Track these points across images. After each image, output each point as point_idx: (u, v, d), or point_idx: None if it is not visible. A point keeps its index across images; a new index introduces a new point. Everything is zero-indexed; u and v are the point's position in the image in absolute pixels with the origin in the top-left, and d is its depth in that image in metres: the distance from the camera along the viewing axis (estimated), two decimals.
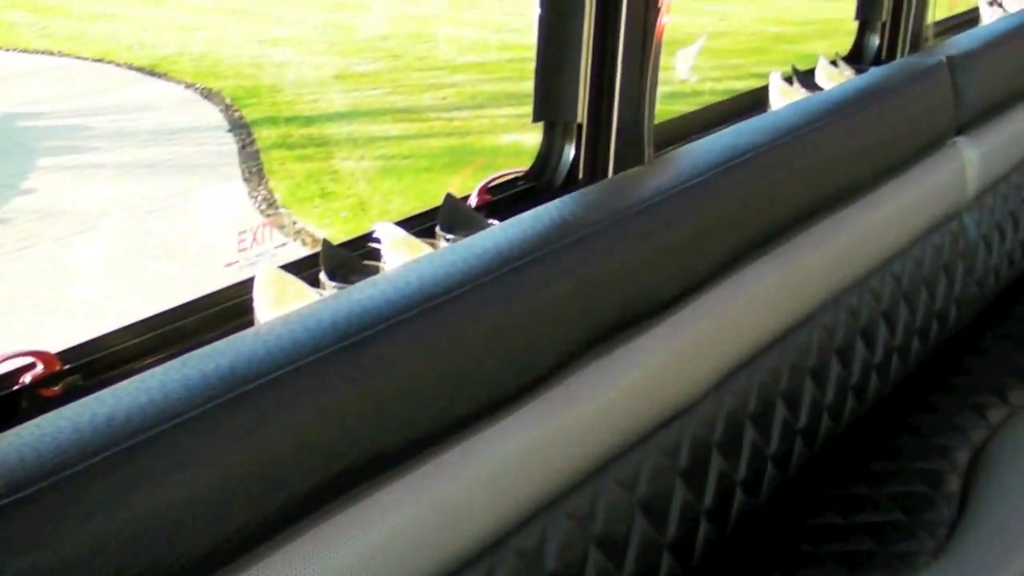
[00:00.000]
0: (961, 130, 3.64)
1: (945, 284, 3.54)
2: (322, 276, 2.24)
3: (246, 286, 2.18)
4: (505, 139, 8.79)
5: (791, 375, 2.80)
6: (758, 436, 2.67)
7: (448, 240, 2.41)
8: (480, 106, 9.60)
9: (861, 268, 3.11)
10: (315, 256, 2.29)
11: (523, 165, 2.81)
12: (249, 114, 9.25)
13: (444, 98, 9.83)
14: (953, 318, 3.61)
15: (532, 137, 2.84)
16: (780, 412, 2.75)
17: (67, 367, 1.96)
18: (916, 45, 4.01)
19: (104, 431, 1.48)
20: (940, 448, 3.16)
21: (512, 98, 9.55)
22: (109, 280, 6.32)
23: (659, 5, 2.65)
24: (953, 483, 3.02)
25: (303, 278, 2.19)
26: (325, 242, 2.30)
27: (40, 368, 1.91)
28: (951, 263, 3.56)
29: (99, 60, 10.59)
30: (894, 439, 3.20)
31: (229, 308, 2.21)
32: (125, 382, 1.60)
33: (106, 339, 2.06)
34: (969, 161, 3.63)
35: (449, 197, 2.49)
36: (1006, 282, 3.97)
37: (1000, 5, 4.88)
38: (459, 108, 9.57)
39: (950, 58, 3.61)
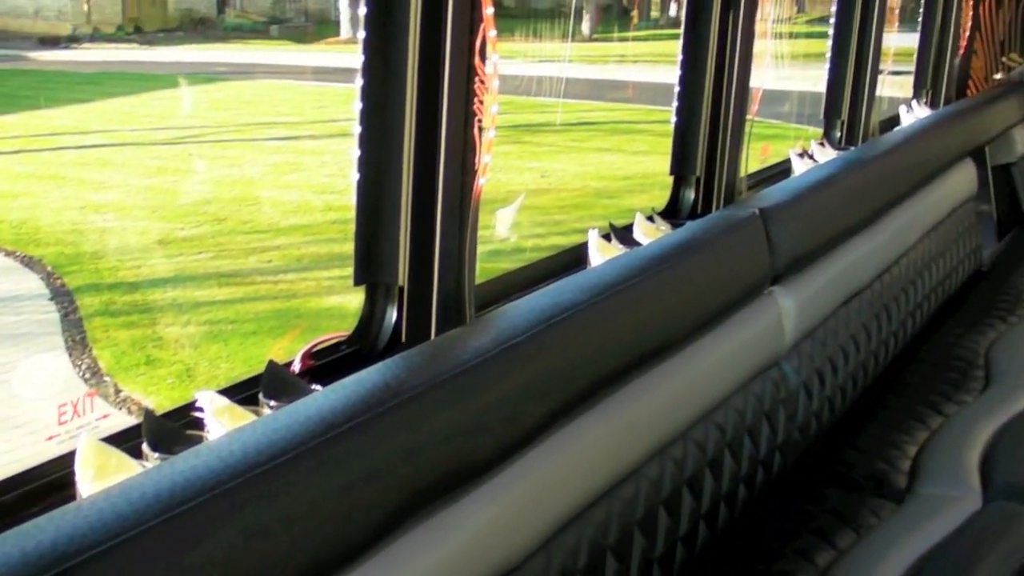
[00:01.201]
0: (776, 280, 3.73)
1: (768, 431, 3.59)
2: (145, 447, 2.21)
3: (67, 460, 2.14)
4: (331, 301, 8.80)
5: (619, 528, 2.80)
6: None
7: (271, 407, 2.39)
8: (306, 268, 9.61)
9: (685, 419, 3.15)
10: (138, 427, 2.26)
11: (349, 327, 2.82)
12: (71, 281, 9.15)
13: (269, 261, 9.83)
14: (777, 464, 3.65)
15: (358, 299, 2.85)
16: (610, 566, 2.76)
17: None
18: (730, 198, 4.11)
19: None
20: None
21: (337, 259, 9.58)
22: None
23: (476, 167, 2.69)
24: None
25: (126, 449, 2.16)
26: (147, 412, 2.28)
27: None
28: (773, 410, 3.62)
29: None
30: None
31: (50, 483, 2.16)
32: None
33: None
34: (785, 310, 3.71)
35: (272, 364, 2.48)
36: (827, 426, 4.05)
37: (811, 157, 5.02)
38: (284, 271, 9.57)
39: (763, 210, 3.70)
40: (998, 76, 7.92)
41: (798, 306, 3.79)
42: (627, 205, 11.24)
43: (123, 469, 2.08)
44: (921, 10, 6.93)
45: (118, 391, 7.14)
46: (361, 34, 2.62)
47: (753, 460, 3.49)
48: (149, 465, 2.14)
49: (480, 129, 2.70)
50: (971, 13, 7.44)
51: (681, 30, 4.10)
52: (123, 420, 6.24)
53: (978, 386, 4.67)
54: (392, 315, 2.75)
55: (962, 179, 5.96)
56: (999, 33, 7.83)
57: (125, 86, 17.97)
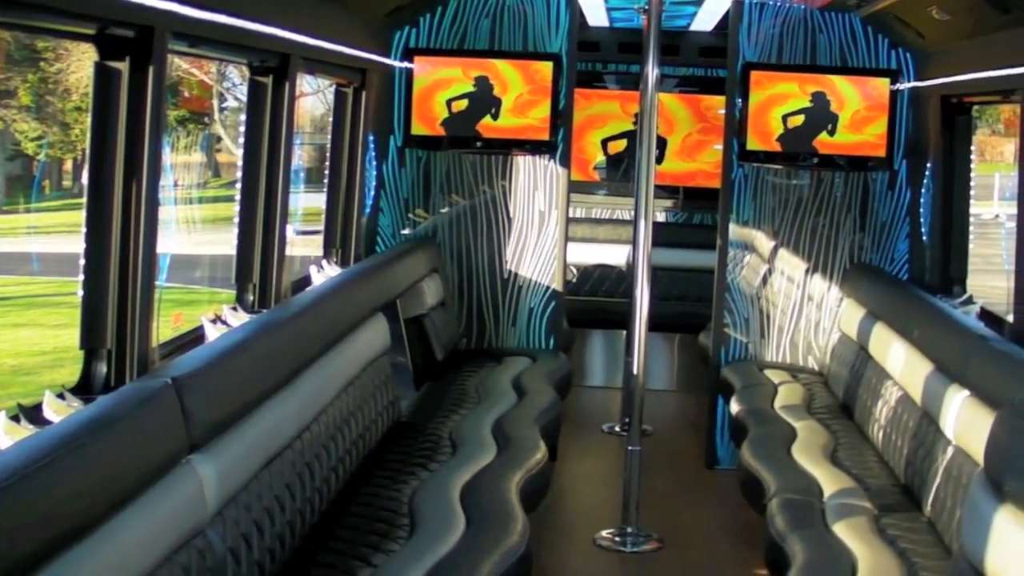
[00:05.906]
0: (195, 448, 3.70)
1: None
2: None
3: None
4: None
5: None
6: None
7: None
8: None
9: None
10: None
11: None
12: None
13: None
14: None
15: None
16: None
17: None
18: (144, 369, 4.06)
19: None
20: None
21: None
22: None
23: None
24: None
25: None
26: None
27: None
28: None
29: None
30: None
31: None
32: None
33: None
34: (206, 477, 3.68)
35: None
36: None
37: (224, 322, 5.03)
38: None
39: (176, 379, 3.67)
40: (405, 232, 8.21)
41: (218, 473, 3.77)
42: (47, 381, 10.96)
43: None
44: (327, 171, 7.13)
45: None
46: None
47: None
48: None
49: None
50: (376, 172, 7.72)
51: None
52: None
53: (404, 534, 4.76)
54: None
55: (375, 333, 6.12)
56: (404, 191, 8.13)
57: None
